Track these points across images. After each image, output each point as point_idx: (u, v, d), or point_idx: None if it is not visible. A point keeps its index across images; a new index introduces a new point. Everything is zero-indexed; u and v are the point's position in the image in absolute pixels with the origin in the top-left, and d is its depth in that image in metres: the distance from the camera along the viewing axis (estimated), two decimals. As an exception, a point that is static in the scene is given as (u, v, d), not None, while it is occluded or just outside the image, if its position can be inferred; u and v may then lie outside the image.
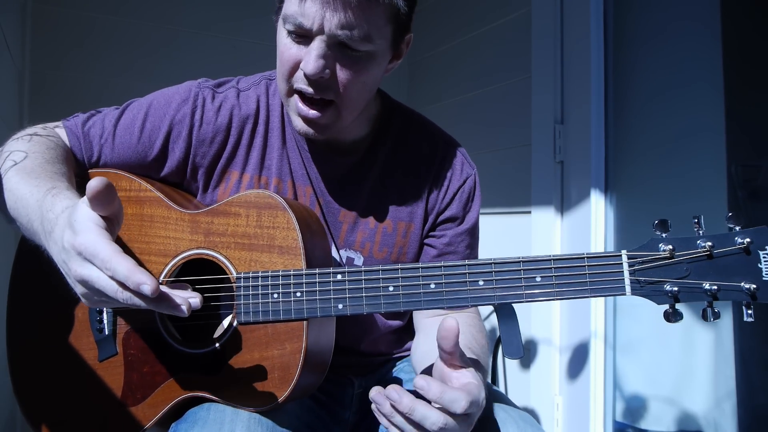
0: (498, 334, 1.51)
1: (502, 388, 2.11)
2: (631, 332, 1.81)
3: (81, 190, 0.88)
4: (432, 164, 1.04)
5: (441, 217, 1.05)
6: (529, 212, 1.97)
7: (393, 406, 0.72)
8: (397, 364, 1.13)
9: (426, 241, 1.06)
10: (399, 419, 0.72)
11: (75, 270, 0.68)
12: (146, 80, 2.14)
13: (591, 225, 1.79)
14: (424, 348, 1.00)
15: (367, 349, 1.09)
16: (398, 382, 1.07)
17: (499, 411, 0.89)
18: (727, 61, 1.59)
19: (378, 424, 1.02)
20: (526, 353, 1.96)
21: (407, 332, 1.15)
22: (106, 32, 2.17)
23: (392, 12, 0.85)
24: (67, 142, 0.98)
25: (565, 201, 1.89)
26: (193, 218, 0.90)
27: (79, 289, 0.70)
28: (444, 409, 0.71)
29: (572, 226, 1.86)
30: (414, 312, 1.10)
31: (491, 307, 1.64)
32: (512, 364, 2.08)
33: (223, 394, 0.84)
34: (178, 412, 0.86)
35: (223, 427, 0.78)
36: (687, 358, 1.71)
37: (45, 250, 0.79)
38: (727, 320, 1.58)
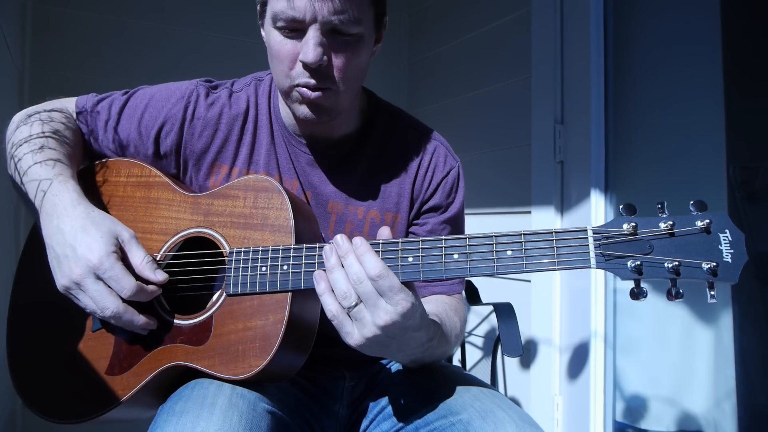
0: (498, 333, 1.51)
1: (501, 388, 2.11)
2: (631, 332, 1.81)
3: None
4: (417, 157, 1.09)
5: (425, 207, 1.09)
6: (529, 212, 1.97)
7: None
8: (393, 361, 1.13)
9: (410, 229, 1.10)
10: (351, 258, 0.78)
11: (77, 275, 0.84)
12: (146, 80, 2.13)
13: (591, 225, 1.79)
14: None
15: None
16: (392, 378, 1.08)
17: (498, 410, 0.89)
18: (727, 61, 1.59)
19: (367, 417, 1.03)
20: (526, 353, 1.96)
21: None
22: (106, 32, 2.17)
23: None
24: (75, 118, 1.08)
25: (565, 201, 1.89)
26: (195, 200, 0.97)
27: (63, 283, 0.86)
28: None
29: (572, 226, 1.85)
30: None
31: (491, 307, 1.65)
32: (512, 364, 2.08)
33: (206, 363, 0.86)
34: (167, 384, 0.88)
35: (205, 400, 0.80)
36: (687, 358, 1.72)
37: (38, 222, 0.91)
38: (727, 320, 1.59)
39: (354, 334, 0.78)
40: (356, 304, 0.77)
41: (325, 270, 0.80)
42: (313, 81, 0.91)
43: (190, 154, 1.05)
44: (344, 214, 1.06)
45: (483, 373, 2.05)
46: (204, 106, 1.04)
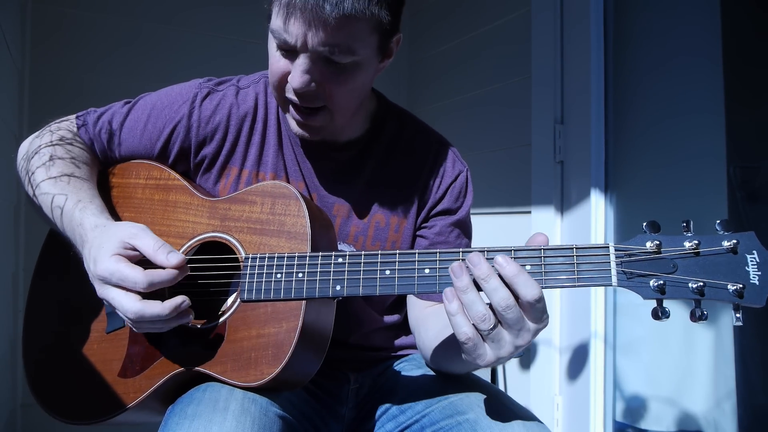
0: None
1: (501, 388, 2.11)
2: (631, 332, 1.81)
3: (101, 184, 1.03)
4: (425, 162, 1.08)
5: (433, 211, 1.08)
6: (529, 212, 1.97)
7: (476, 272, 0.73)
8: (396, 363, 1.13)
9: (418, 232, 1.09)
10: (495, 282, 0.72)
11: (99, 292, 0.83)
12: (146, 80, 2.14)
13: (591, 225, 1.79)
14: (438, 326, 0.98)
15: (359, 343, 1.10)
16: (396, 379, 1.08)
17: (505, 410, 0.89)
18: (727, 61, 1.59)
19: (372, 418, 1.03)
20: (527, 353, 1.96)
21: (403, 328, 1.15)
22: (106, 32, 2.17)
23: (374, 23, 0.86)
24: (76, 132, 1.06)
25: (565, 201, 1.89)
26: (213, 204, 0.97)
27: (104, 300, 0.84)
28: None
29: (572, 226, 1.86)
30: (412, 309, 1.10)
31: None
32: (512, 364, 2.08)
33: (218, 369, 0.86)
34: (178, 389, 0.88)
35: (217, 404, 0.79)
36: (687, 358, 1.72)
37: (73, 247, 0.91)
38: (727, 320, 1.59)
39: (487, 355, 0.73)
40: (494, 327, 0.71)
41: (453, 287, 0.73)
42: (298, 101, 0.91)
43: (200, 160, 1.03)
44: (349, 217, 1.05)
45: (483, 373, 2.06)
46: (210, 109, 1.02)
